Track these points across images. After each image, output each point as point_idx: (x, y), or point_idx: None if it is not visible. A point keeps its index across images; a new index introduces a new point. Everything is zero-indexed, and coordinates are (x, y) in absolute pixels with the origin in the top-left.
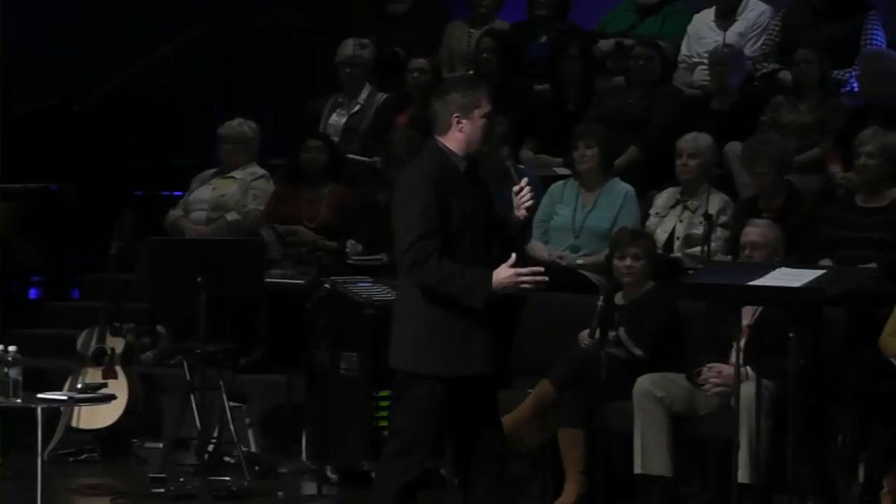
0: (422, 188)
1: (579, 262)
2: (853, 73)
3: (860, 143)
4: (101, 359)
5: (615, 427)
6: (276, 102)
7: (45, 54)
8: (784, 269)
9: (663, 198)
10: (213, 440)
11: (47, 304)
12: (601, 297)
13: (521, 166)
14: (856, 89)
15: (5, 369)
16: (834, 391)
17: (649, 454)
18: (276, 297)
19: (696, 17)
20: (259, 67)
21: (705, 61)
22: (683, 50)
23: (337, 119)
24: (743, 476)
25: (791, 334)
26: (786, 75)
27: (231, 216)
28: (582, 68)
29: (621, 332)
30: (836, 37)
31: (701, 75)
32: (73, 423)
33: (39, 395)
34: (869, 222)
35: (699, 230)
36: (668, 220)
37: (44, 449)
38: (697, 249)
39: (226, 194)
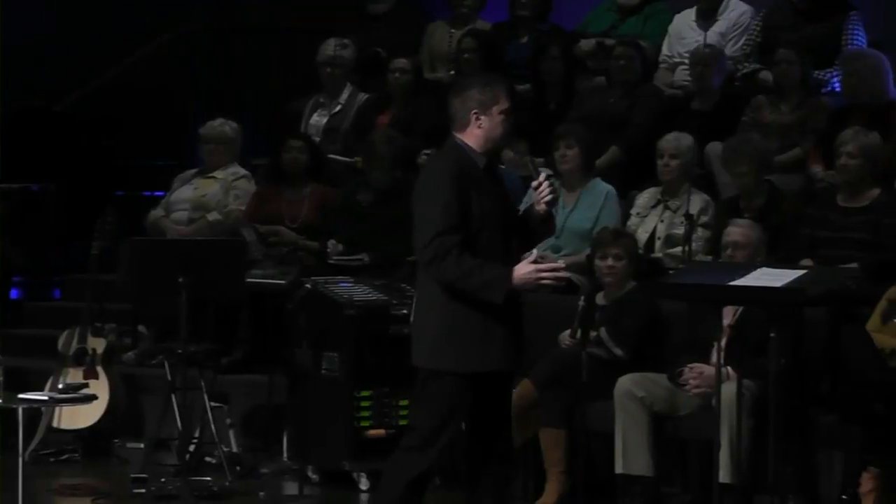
0: (442, 184)
1: (561, 262)
2: (834, 74)
3: (841, 143)
4: (83, 359)
5: (596, 427)
6: (258, 102)
7: (28, 55)
8: (765, 270)
9: (644, 198)
10: (195, 440)
11: (29, 304)
12: (582, 297)
13: (502, 166)
14: (837, 89)
15: None
16: (815, 391)
17: (630, 454)
18: (258, 298)
19: (677, 17)
20: (240, 67)
21: (686, 61)
22: (664, 50)
23: (318, 119)
24: (724, 476)
25: (772, 334)
26: (767, 75)
27: (212, 216)
28: (563, 68)
29: (602, 332)
30: (817, 37)
31: (682, 75)
32: (55, 424)
33: (21, 396)
34: (850, 222)
35: (680, 230)
36: (649, 220)
37: (25, 449)
38: (678, 249)
39: (207, 194)
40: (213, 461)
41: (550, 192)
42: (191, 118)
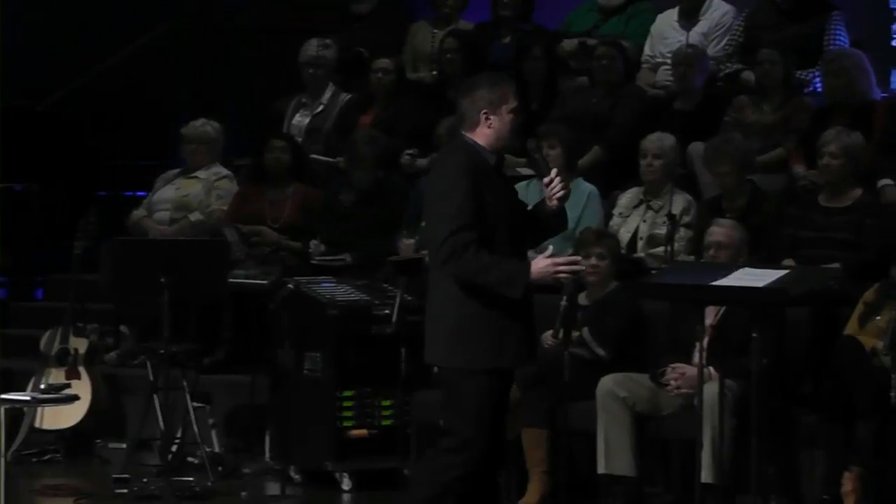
0: (457, 182)
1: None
2: (817, 74)
3: (823, 143)
4: (65, 359)
5: (578, 427)
6: (240, 102)
7: (9, 54)
8: (747, 269)
9: (627, 198)
10: (177, 440)
11: (11, 304)
12: (565, 297)
13: None
14: (819, 89)
15: None
16: (797, 391)
17: (613, 454)
18: (240, 298)
19: (660, 17)
20: (223, 67)
21: (669, 61)
22: (647, 50)
23: (300, 119)
24: (706, 476)
25: (754, 334)
26: (749, 75)
27: (194, 216)
28: (545, 68)
29: (585, 332)
30: (800, 37)
31: (664, 75)
32: (37, 424)
33: (3, 396)
34: (832, 222)
35: (662, 230)
36: (632, 220)
37: (7, 449)
38: (661, 249)
39: (189, 194)
40: (196, 461)
41: (562, 188)
42: (173, 118)
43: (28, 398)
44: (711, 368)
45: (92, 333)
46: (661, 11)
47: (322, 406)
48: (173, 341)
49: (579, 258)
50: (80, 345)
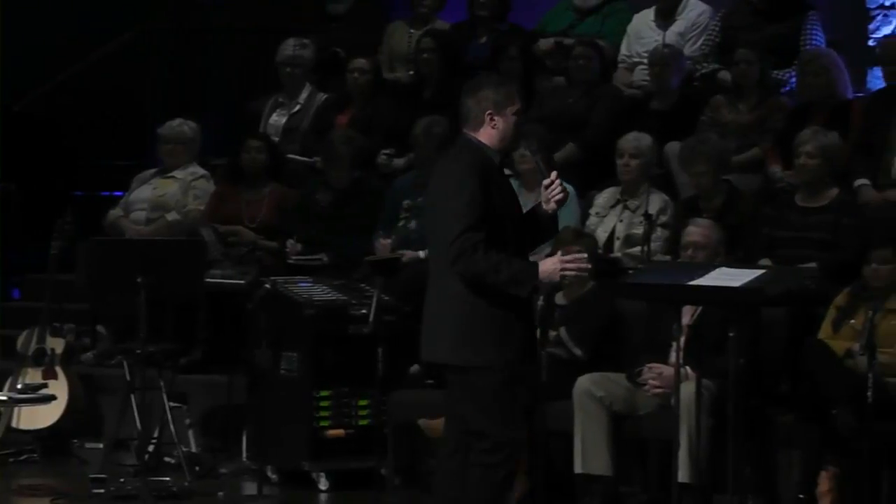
0: (466, 181)
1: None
2: (793, 74)
3: (800, 143)
4: (42, 359)
5: (555, 426)
6: (217, 102)
7: None
8: (724, 269)
9: (604, 197)
10: (154, 440)
11: None
12: (541, 297)
13: None
14: (795, 89)
15: None
16: (774, 391)
17: (589, 454)
18: (217, 297)
19: (636, 17)
20: (199, 67)
21: (645, 61)
22: (623, 50)
23: (277, 119)
24: (683, 475)
25: (731, 334)
26: (726, 75)
27: (171, 216)
28: (522, 68)
29: (562, 331)
30: (776, 37)
31: (641, 75)
32: (14, 424)
33: None
34: (809, 222)
35: (639, 230)
36: (609, 220)
37: None
38: (637, 249)
39: (166, 194)
40: (173, 461)
41: (561, 192)
42: (150, 118)
43: (5, 398)
44: (688, 368)
45: (69, 333)
46: (637, 11)
47: (299, 406)
48: (150, 341)
49: (585, 255)
50: (56, 345)
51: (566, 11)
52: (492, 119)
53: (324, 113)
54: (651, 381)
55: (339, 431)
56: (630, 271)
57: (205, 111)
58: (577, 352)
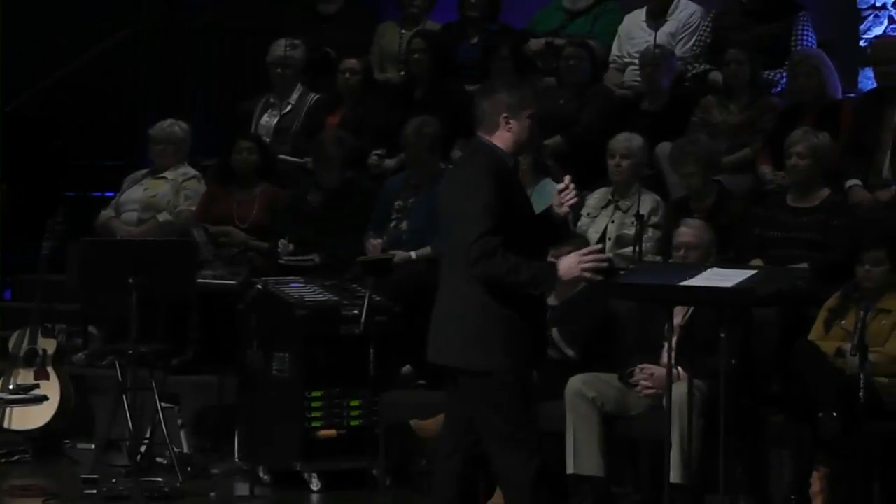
0: (483, 184)
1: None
2: (784, 74)
3: (791, 143)
4: (33, 360)
5: (547, 427)
6: (208, 103)
7: None
8: (715, 270)
9: (595, 198)
10: (145, 441)
11: None
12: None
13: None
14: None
15: None
16: (765, 391)
17: (581, 454)
18: (208, 298)
19: (627, 18)
20: (190, 68)
21: (636, 62)
22: (614, 50)
23: (268, 119)
24: (675, 476)
25: (722, 334)
26: (717, 76)
27: (162, 217)
28: (513, 68)
29: (554, 332)
30: (767, 37)
31: (632, 76)
32: (5, 424)
33: None
34: (800, 222)
35: (631, 230)
36: (600, 221)
37: None
38: (629, 249)
39: (157, 195)
40: (164, 462)
41: (575, 196)
42: (141, 119)
43: None
44: (680, 368)
45: (60, 334)
46: (628, 11)
47: (290, 406)
48: (141, 342)
49: (600, 246)
50: (48, 345)
51: (556, 12)
52: (507, 122)
53: (315, 113)
54: (643, 382)
55: (331, 432)
56: (621, 272)
57: (196, 112)
58: (569, 352)
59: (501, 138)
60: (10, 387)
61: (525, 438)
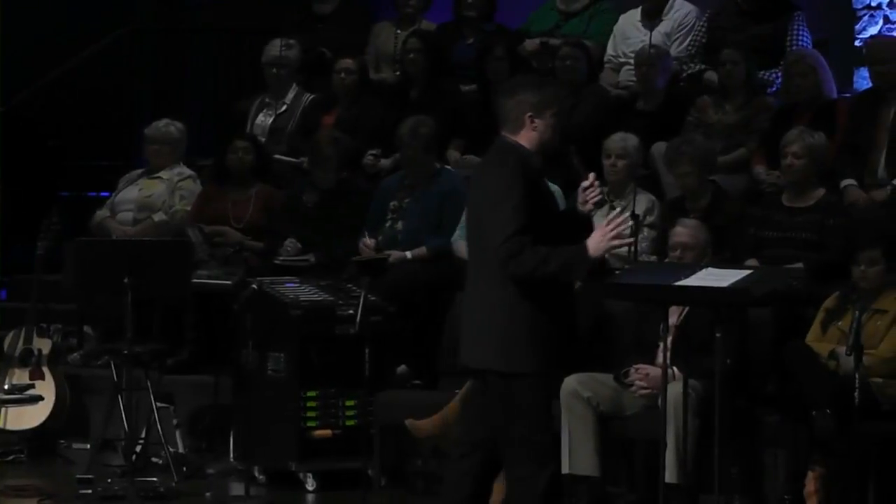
0: (512, 184)
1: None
2: (779, 74)
3: (786, 143)
4: (28, 360)
5: None
6: (203, 103)
7: None
8: (710, 270)
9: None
10: (141, 441)
11: None
12: None
13: (448, 167)
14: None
15: None
16: (761, 391)
17: (576, 454)
18: (203, 298)
19: (622, 18)
20: (186, 68)
21: (631, 61)
22: (609, 50)
23: (263, 119)
24: (670, 476)
25: (717, 334)
26: (712, 76)
27: (158, 217)
28: (508, 68)
29: None
30: (762, 37)
31: (627, 76)
32: (0, 425)
33: None
34: (795, 222)
35: (626, 230)
36: (595, 221)
37: None
38: (624, 249)
39: (152, 195)
40: (160, 462)
41: (599, 194)
42: (136, 119)
43: None
44: (675, 368)
45: (55, 334)
46: (623, 11)
47: (286, 406)
48: (137, 342)
49: (617, 210)
50: (43, 345)
51: (551, 12)
52: (532, 121)
53: (310, 113)
54: (638, 382)
55: (326, 432)
56: (617, 272)
57: (191, 112)
58: None
59: (526, 137)
60: (6, 387)
61: (541, 444)
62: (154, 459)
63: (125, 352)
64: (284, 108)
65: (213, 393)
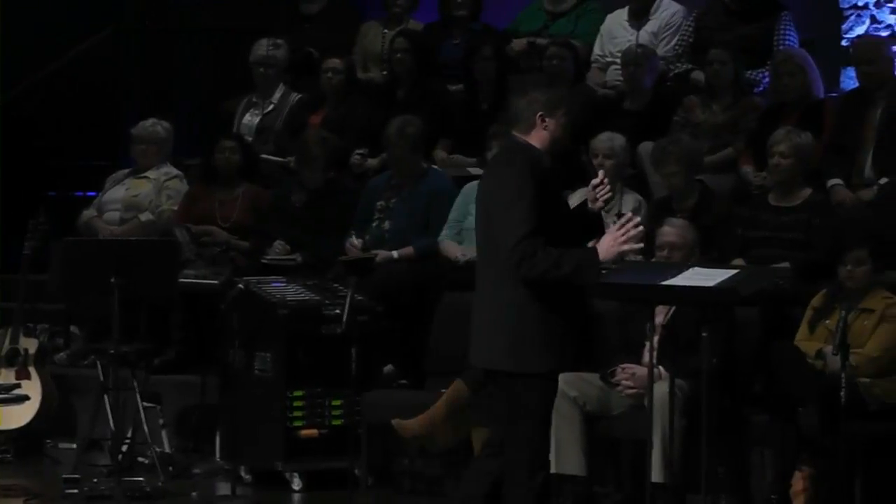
0: (522, 186)
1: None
2: (766, 74)
3: (773, 143)
4: (15, 359)
5: None
6: (190, 103)
7: None
8: (697, 269)
9: (576, 197)
10: (127, 441)
11: None
12: None
13: (435, 167)
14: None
15: None
16: (747, 390)
17: (563, 454)
18: (190, 298)
19: (609, 17)
20: (172, 68)
21: (618, 61)
22: (596, 49)
23: (250, 119)
24: (656, 475)
25: (704, 334)
26: (699, 75)
27: (145, 216)
28: (496, 68)
29: None
30: (750, 37)
31: (614, 75)
32: None
33: None
34: (782, 222)
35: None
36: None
37: None
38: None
39: (139, 194)
40: (146, 461)
41: (609, 192)
42: (123, 118)
43: None
44: (661, 368)
45: (42, 334)
46: (610, 11)
47: (272, 406)
48: (123, 341)
49: (629, 214)
50: (30, 345)
51: (539, 12)
52: (543, 121)
53: (297, 113)
54: (624, 382)
55: (313, 431)
56: (603, 271)
57: (178, 111)
58: None
59: (538, 137)
60: None
61: (540, 447)
62: (140, 459)
63: (112, 351)
64: (271, 107)
65: (199, 393)
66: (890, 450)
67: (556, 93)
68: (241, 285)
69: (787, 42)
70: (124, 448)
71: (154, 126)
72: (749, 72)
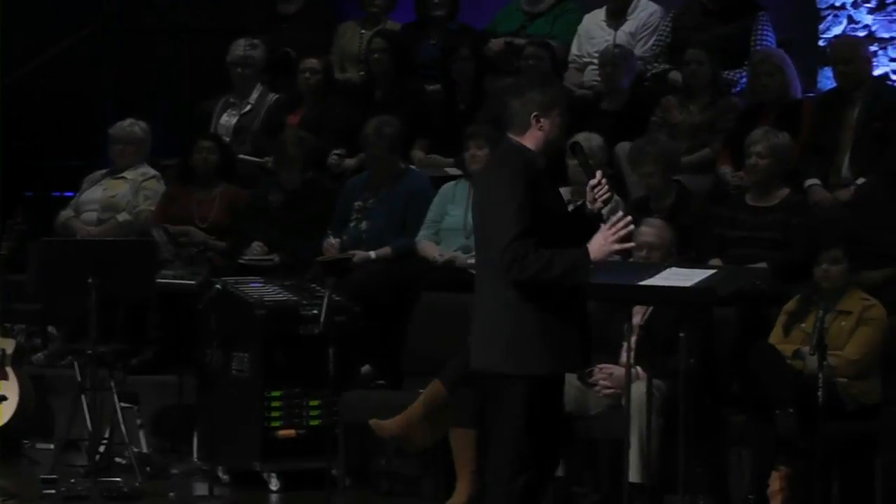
0: (514, 187)
1: (470, 262)
2: (744, 74)
3: (751, 143)
4: None
5: None
6: (168, 103)
7: None
8: (674, 269)
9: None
10: (105, 441)
11: None
12: None
13: (412, 167)
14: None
15: None
16: (725, 390)
17: None
18: (168, 298)
19: (587, 17)
20: (150, 68)
21: (596, 61)
22: (574, 50)
23: (228, 119)
24: (634, 475)
25: (681, 334)
26: (676, 75)
27: (122, 217)
28: (473, 68)
29: None
30: (727, 37)
31: (591, 75)
32: None
33: None
34: (759, 222)
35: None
36: None
37: None
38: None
39: (117, 195)
40: (124, 462)
41: (608, 192)
42: (100, 119)
43: None
44: (639, 368)
45: (19, 334)
46: (587, 11)
47: (250, 406)
48: (101, 342)
49: (620, 214)
50: (7, 345)
51: (516, 12)
52: (538, 121)
53: (275, 113)
54: (602, 382)
55: (290, 432)
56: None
57: (155, 112)
58: None
59: (533, 137)
60: None
61: (524, 449)
62: (118, 459)
63: (89, 352)
64: (249, 107)
65: (177, 393)
66: (866, 450)
67: (550, 92)
68: (218, 285)
69: (764, 42)
70: (102, 448)
71: (132, 126)
72: (726, 72)
